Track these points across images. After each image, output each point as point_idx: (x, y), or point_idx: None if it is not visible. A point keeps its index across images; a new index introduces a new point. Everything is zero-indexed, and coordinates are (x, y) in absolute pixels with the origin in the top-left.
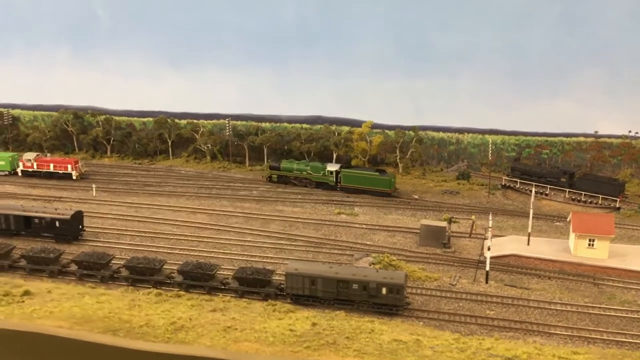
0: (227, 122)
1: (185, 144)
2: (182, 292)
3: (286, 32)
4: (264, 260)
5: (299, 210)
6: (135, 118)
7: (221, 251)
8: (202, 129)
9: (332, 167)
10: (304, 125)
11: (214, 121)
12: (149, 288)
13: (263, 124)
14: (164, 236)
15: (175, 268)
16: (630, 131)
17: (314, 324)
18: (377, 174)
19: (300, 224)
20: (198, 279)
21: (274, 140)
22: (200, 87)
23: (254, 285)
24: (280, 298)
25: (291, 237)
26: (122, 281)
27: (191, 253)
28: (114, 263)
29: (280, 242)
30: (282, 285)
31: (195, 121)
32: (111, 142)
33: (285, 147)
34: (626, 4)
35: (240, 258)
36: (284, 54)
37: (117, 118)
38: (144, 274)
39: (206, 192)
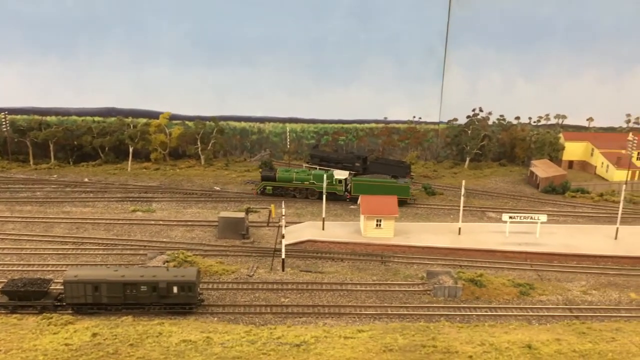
0: (2, 116)
1: None
2: None
3: (71, 18)
4: (44, 269)
5: (89, 210)
6: None
7: None
8: None
9: (340, 175)
10: (96, 118)
11: None
12: None
13: (48, 118)
14: None
15: None
16: (414, 116)
17: (94, 335)
18: (394, 180)
19: (89, 225)
20: None
21: (61, 136)
22: None
23: (27, 298)
24: (60, 309)
25: (77, 241)
26: None
27: None
28: None
29: (64, 247)
30: (61, 295)
31: None
32: None
33: (75, 142)
34: None
35: (14, 269)
36: (71, 41)
37: None
38: None
39: None
